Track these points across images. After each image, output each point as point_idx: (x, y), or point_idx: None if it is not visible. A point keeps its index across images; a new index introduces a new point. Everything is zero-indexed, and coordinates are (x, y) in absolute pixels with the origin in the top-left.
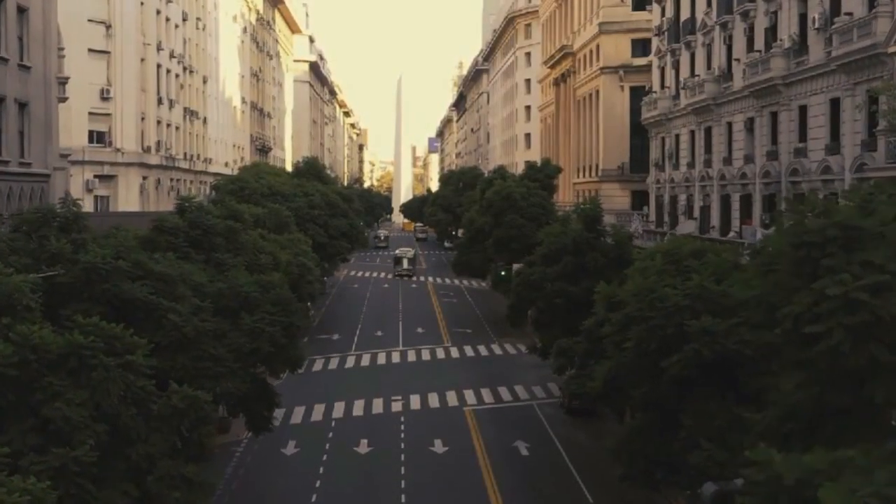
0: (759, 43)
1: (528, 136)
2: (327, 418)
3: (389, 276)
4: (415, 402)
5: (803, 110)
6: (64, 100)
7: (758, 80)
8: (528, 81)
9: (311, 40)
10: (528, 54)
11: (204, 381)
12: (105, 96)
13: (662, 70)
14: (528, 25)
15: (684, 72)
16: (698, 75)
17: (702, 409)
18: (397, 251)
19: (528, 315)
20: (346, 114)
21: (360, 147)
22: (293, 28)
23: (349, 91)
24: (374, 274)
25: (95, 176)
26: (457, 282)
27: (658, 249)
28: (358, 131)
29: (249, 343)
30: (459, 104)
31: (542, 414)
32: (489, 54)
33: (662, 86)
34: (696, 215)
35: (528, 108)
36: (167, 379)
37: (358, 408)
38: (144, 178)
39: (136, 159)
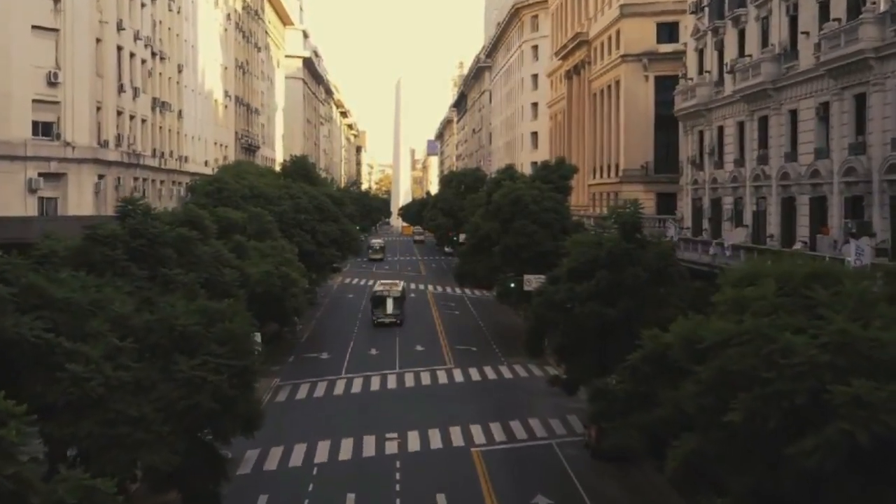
0: (839, 10)
1: (534, 134)
2: (308, 463)
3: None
4: (413, 440)
5: None
6: None
7: (838, 56)
8: (535, 76)
9: (305, 35)
10: (535, 47)
11: (119, 452)
12: (53, 81)
13: (701, 52)
14: (536, 17)
15: (730, 52)
16: (750, 56)
17: None
18: (377, 287)
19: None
20: (344, 114)
21: (359, 149)
22: (285, 21)
23: (347, 92)
24: (372, 282)
25: (40, 174)
26: (458, 290)
27: (761, 272)
28: (356, 133)
29: (185, 397)
30: (460, 104)
31: (564, 456)
32: (492, 50)
33: (701, 71)
34: (748, 222)
35: (534, 104)
36: (67, 452)
37: (346, 449)
38: (100, 176)
39: (89, 154)
